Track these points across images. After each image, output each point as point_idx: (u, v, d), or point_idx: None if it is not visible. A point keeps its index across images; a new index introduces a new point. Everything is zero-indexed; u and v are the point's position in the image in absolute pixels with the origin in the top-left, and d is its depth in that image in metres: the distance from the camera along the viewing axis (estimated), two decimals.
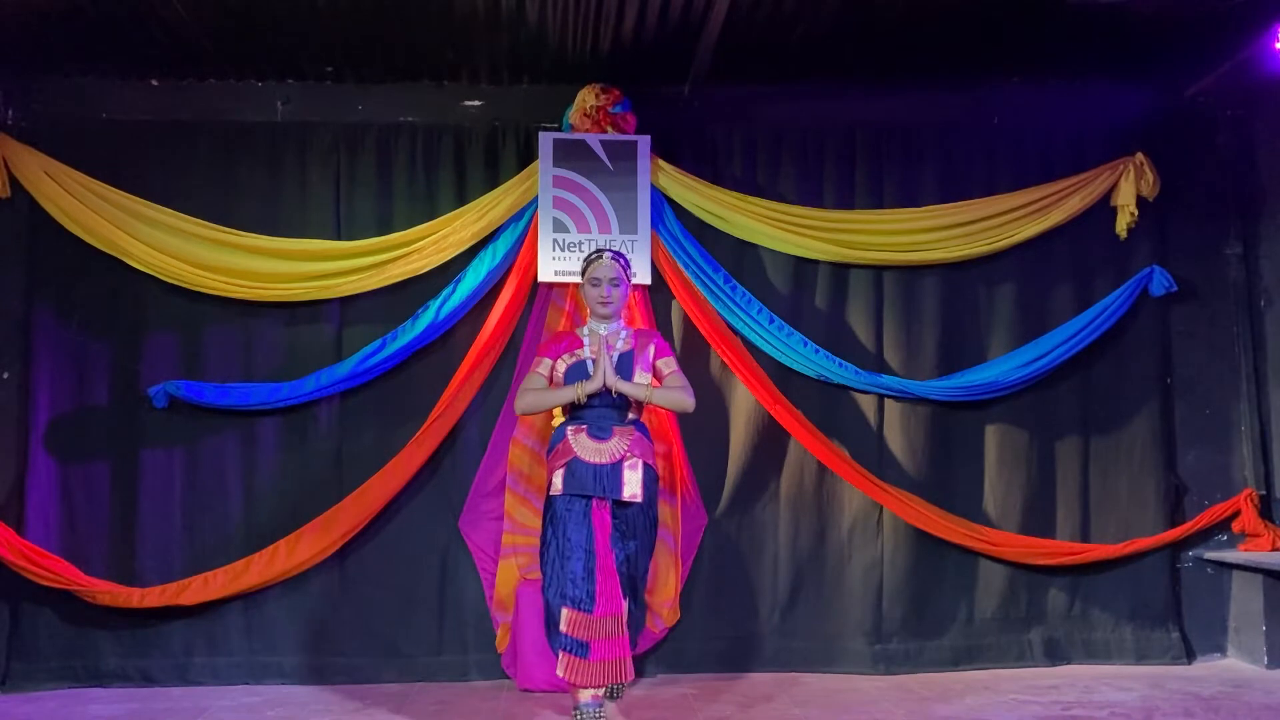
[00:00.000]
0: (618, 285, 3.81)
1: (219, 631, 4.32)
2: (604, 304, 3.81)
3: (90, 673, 4.25)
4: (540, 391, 3.78)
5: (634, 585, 3.74)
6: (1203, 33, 4.21)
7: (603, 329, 3.84)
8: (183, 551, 4.33)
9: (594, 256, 3.85)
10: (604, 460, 3.63)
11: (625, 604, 3.58)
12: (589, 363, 3.74)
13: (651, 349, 3.83)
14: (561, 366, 3.80)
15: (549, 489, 3.71)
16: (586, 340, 3.83)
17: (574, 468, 3.63)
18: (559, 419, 3.96)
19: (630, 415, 3.76)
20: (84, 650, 4.26)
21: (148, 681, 4.25)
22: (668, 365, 3.82)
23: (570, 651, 3.49)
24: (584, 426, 3.70)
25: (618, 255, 3.86)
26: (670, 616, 4.35)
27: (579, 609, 3.50)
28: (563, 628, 3.51)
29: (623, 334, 3.86)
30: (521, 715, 3.86)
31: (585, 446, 3.66)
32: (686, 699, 4.06)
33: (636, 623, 3.84)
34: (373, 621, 4.39)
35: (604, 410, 3.71)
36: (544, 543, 3.69)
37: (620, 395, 3.68)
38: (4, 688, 4.18)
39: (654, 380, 3.77)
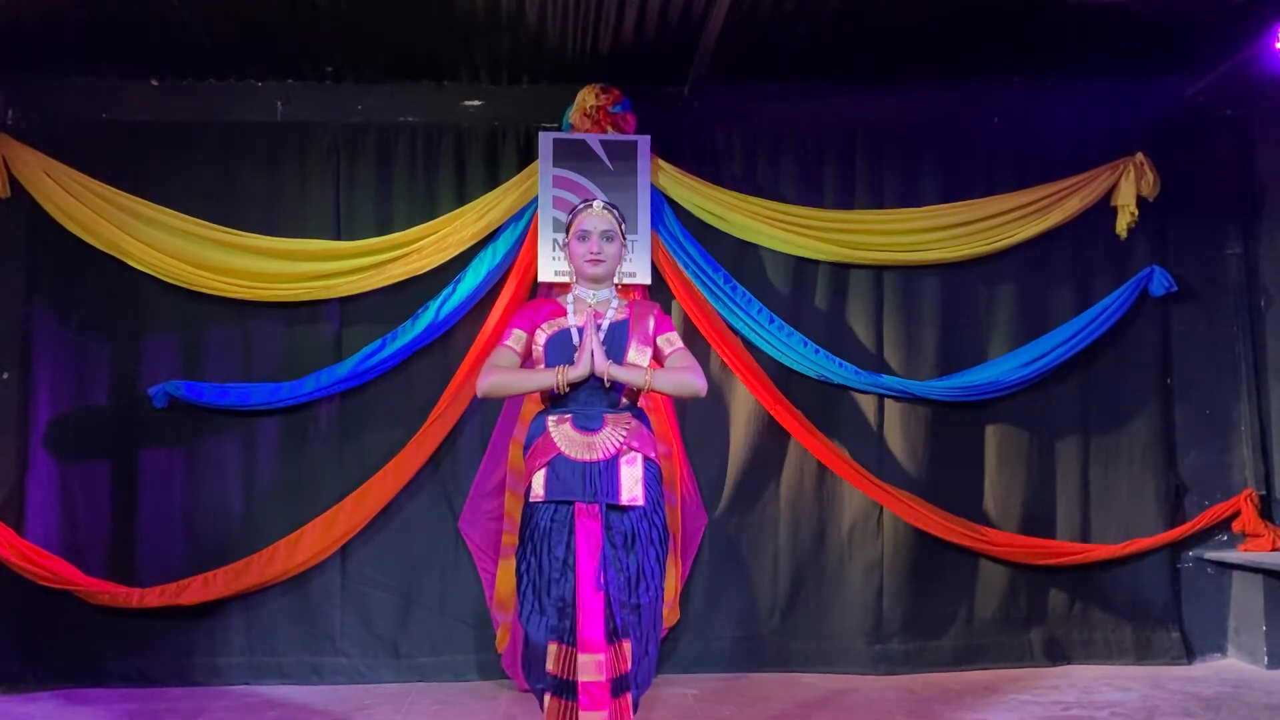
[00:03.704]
0: (611, 240, 3.08)
1: (219, 631, 4.32)
2: (594, 262, 3.07)
3: (90, 673, 4.25)
4: (509, 371, 3.03)
5: (638, 616, 2.90)
6: (1203, 33, 4.21)
7: (590, 296, 3.12)
8: (183, 551, 4.33)
9: (582, 205, 3.14)
10: (595, 457, 2.93)
11: (617, 646, 2.86)
12: (574, 332, 3.03)
13: (651, 321, 3.11)
14: (541, 338, 3.06)
15: (527, 494, 2.99)
16: (571, 308, 3.10)
17: (558, 467, 2.93)
18: (536, 406, 3.24)
19: (625, 400, 3.06)
20: (84, 650, 4.25)
21: (148, 681, 4.25)
22: (670, 342, 3.13)
23: (556, 694, 2.86)
24: (568, 416, 2.99)
25: (611, 205, 3.15)
26: (670, 616, 4.34)
27: (565, 642, 2.86)
28: (550, 666, 2.86)
29: (614, 302, 3.12)
30: (521, 715, 3.85)
31: (571, 440, 2.96)
32: (686, 699, 4.06)
33: (639, 674, 2.93)
34: (373, 621, 4.39)
35: (591, 395, 3.00)
36: (520, 559, 2.99)
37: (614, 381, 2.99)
38: (4, 688, 4.18)
39: (652, 361, 3.10)
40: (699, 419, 4.52)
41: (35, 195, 4.32)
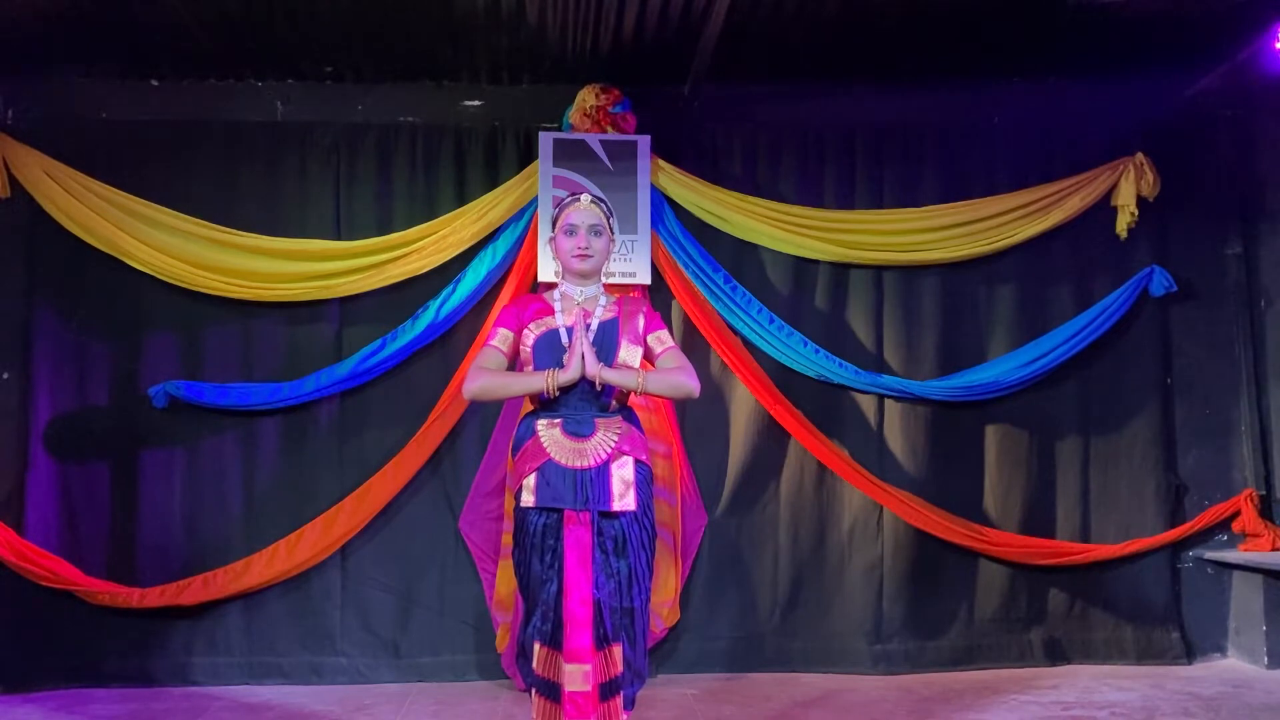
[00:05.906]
0: (599, 235, 3.01)
1: (219, 631, 4.32)
2: (581, 256, 2.99)
3: (90, 673, 4.25)
4: (498, 373, 2.96)
5: (631, 619, 2.90)
6: (1203, 33, 4.21)
7: (578, 294, 3.06)
8: (183, 551, 4.33)
9: (569, 199, 3.06)
10: (586, 464, 2.88)
11: (607, 651, 2.85)
12: (563, 332, 2.97)
13: (641, 320, 3.05)
14: (529, 337, 2.99)
15: (518, 497, 2.94)
16: (558, 306, 3.03)
17: (547, 473, 2.88)
18: (527, 407, 3.16)
19: (615, 403, 3.00)
20: (84, 650, 4.25)
21: (148, 681, 4.25)
22: (661, 341, 3.06)
23: (542, 694, 2.87)
24: (558, 420, 2.93)
25: (600, 199, 3.08)
26: (670, 616, 4.34)
27: (549, 645, 2.86)
28: (535, 666, 2.87)
29: (603, 300, 3.06)
30: (521, 715, 3.85)
31: (561, 446, 2.90)
32: (686, 699, 4.06)
33: (629, 676, 2.91)
34: (373, 621, 4.39)
35: (582, 398, 2.94)
36: (517, 563, 2.98)
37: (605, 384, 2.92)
38: (4, 688, 4.17)
39: (643, 361, 3.05)
40: (699, 419, 4.52)
41: (35, 195, 4.32)
